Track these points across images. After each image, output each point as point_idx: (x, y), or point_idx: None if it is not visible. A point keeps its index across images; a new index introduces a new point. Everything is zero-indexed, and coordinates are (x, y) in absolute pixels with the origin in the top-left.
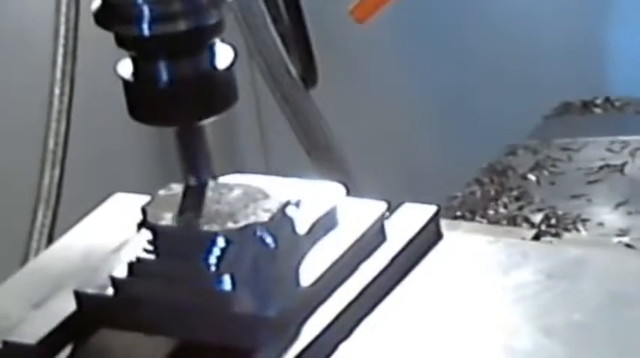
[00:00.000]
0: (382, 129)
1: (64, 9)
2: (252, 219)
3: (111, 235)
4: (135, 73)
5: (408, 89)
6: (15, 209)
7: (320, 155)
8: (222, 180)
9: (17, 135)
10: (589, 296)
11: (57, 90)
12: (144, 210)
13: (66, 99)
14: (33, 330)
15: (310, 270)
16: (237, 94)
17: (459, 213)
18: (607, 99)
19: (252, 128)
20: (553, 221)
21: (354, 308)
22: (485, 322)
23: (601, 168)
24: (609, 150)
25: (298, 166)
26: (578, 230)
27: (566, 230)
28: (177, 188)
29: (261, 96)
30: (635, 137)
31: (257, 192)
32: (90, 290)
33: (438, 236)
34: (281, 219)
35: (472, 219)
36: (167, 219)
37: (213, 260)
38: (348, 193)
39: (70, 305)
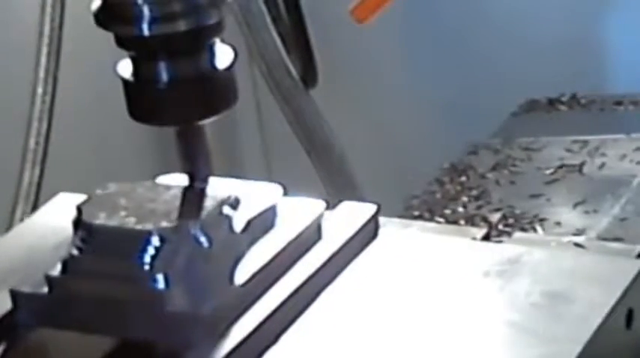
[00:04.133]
0: (382, 129)
1: (49, 9)
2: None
3: (52, 234)
4: (135, 73)
5: (408, 89)
6: None
7: (320, 155)
8: (160, 180)
9: None
10: (523, 294)
11: (40, 90)
12: (79, 209)
13: (48, 98)
14: None
15: (245, 269)
16: (237, 94)
17: (417, 213)
18: (573, 97)
19: (252, 128)
20: (511, 220)
21: (287, 308)
22: (417, 321)
23: (560, 167)
24: (568, 150)
25: (298, 166)
26: (535, 229)
27: (523, 229)
28: (114, 187)
29: (261, 97)
30: (595, 137)
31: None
32: (25, 289)
33: (376, 233)
34: (216, 217)
35: (431, 219)
36: (102, 217)
37: (147, 258)
38: (286, 193)
39: (5, 304)
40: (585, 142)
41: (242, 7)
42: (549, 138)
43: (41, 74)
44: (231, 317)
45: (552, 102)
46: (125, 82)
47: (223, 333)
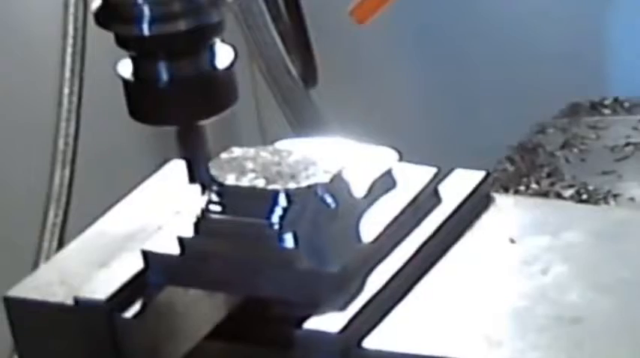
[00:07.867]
0: (382, 129)
1: (72, 8)
2: (312, 180)
3: (169, 198)
4: (135, 73)
5: (408, 89)
6: (26, 209)
7: None
8: (277, 145)
9: (27, 135)
10: (636, 255)
11: (66, 90)
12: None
13: (75, 98)
14: (102, 287)
15: (370, 228)
16: (237, 94)
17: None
18: (615, 100)
19: (252, 128)
20: (584, 196)
21: (413, 265)
22: (537, 279)
23: (626, 145)
24: (635, 128)
25: None
26: (609, 204)
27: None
28: (239, 151)
29: (261, 97)
30: None
31: (315, 155)
32: (157, 250)
33: (489, 199)
34: (340, 180)
35: None
36: (231, 178)
37: (276, 218)
38: (401, 158)
39: (136, 264)
40: None
41: (242, 6)
42: (614, 117)
43: (67, 74)
44: (360, 274)
45: (594, 106)
46: (125, 81)
47: (352, 290)
